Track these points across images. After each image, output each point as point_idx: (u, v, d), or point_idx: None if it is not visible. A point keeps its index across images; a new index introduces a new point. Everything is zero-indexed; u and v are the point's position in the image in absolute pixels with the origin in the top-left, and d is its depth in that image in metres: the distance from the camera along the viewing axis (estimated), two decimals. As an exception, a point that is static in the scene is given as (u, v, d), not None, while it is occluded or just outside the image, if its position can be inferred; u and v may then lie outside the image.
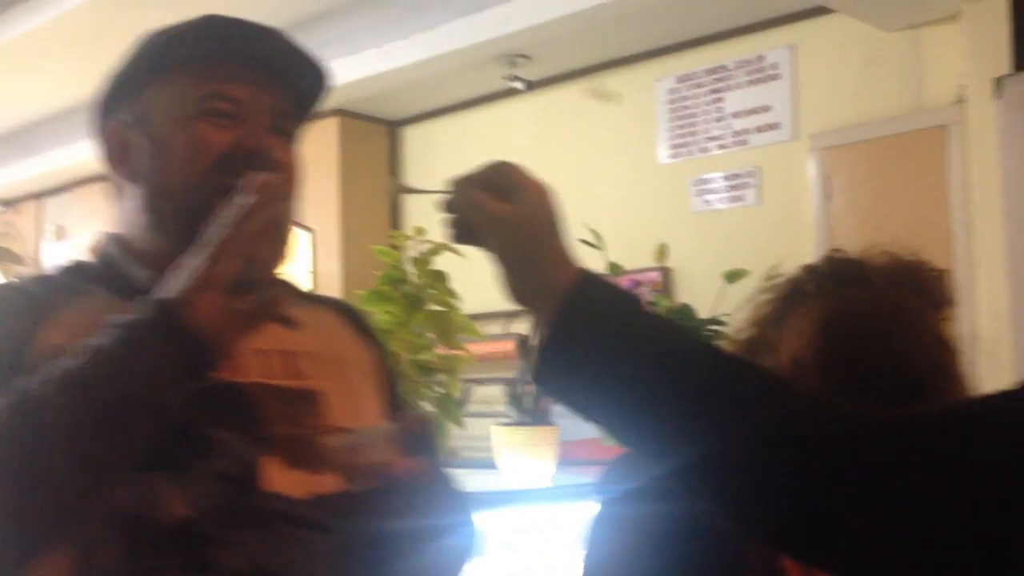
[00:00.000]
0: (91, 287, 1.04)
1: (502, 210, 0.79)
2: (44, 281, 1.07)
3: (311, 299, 1.21)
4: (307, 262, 4.76)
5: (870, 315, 1.06)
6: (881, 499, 0.63)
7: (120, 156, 1.08)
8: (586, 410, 0.76)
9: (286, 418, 1.02)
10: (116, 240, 1.10)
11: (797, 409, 0.69)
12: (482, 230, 0.80)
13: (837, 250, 1.19)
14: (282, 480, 0.99)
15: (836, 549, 0.67)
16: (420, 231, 2.34)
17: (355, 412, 1.07)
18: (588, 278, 0.77)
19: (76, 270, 1.10)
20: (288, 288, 1.16)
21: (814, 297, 1.11)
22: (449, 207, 0.83)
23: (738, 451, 0.67)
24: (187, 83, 1.05)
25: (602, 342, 0.72)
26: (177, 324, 0.88)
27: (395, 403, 1.17)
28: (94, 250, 1.11)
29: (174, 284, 0.91)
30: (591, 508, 1.15)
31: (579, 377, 0.74)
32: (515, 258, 0.79)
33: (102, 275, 1.07)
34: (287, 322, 1.09)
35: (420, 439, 0.96)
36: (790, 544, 0.72)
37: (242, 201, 0.92)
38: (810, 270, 1.16)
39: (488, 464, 2.49)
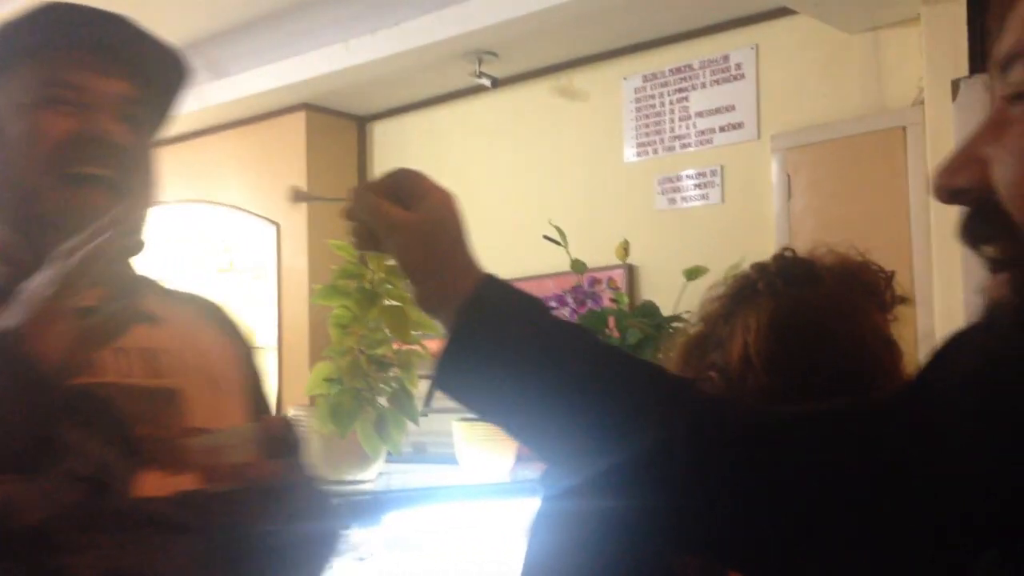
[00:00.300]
0: None
1: (404, 217, 0.79)
2: None
3: (174, 296, 1.18)
4: (273, 257, 4.74)
5: (818, 315, 1.08)
6: (776, 496, 0.65)
7: None
8: (489, 414, 0.76)
9: (144, 418, 1.00)
10: None
11: (699, 410, 0.70)
12: (384, 237, 0.81)
13: (787, 249, 1.20)
14: (139, 481, 0.97)
15: (736, 547, 0.68)
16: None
17: (216, 410, 1.05)
18: (490, 284, 0.77)
19: None
20: (150, 285, 1.13)
21: (763, 296, 1.12)
22: (351, 215, 0.83)
23: (639, 454, 0.68)
24: (27, 72, 1.03)
25: (502, 347, 0.73)
26: (18, 357, 0.84)
27: (259, 401, 1.15)
28: None
29: (16, 312, 0.87)
30: (535, 504, 1.16)
31: (479, 382, 0.74)
32: (417, 265, 0.79)
33: None
34: (148, 319, 1.04)
35: (281, 441, 0.94)
36: (694, 544, 0.73)
37: (93, 233, 0.89)
38: (760, 269, 1.18)
39: (450, 459, 2.50)
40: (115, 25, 1.07)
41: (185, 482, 0.98)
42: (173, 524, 0.97)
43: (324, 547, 1.13)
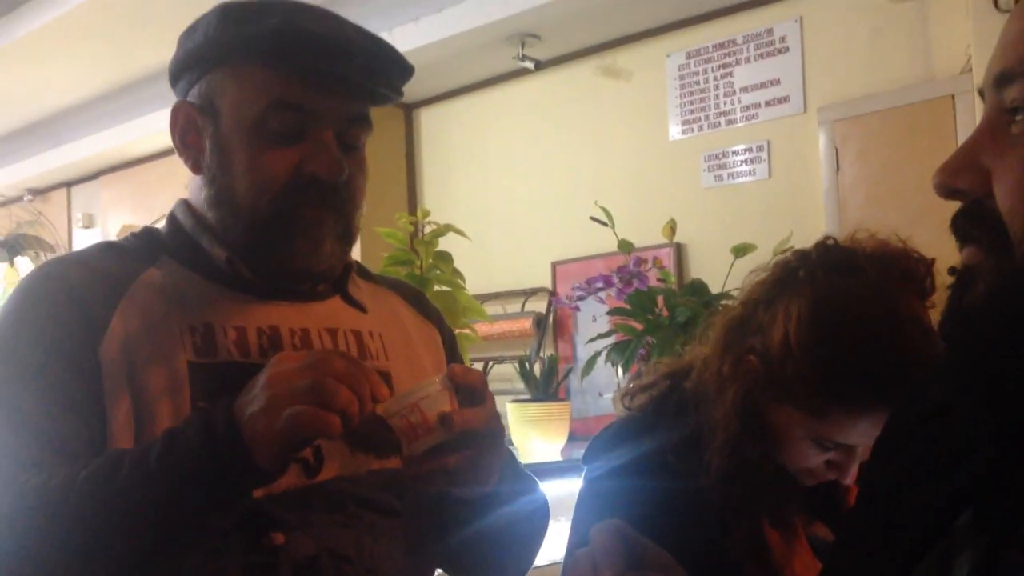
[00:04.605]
0: (162, 257, 1.05)
1: None
2: (114, 251, 1.07)
3: (380, 281, 1.21)
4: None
5: (857, 306, 1.10)
6: None
7: (185, 139, 1.07)
8: None
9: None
10: (190, 212, 1.08)
11: None
12: None
13: (829, 237, 1.22)
14: (350, 462, 1.00)
15: None
16: (425, 213, 2.38)
17: None
18: None
19: (147, 237, 1.10)
20: (357, 269, 1.17)
21: (804, 284, 1.14)
22: None
23: None
24: (254, 82, 1.01)
25: None
26: (235, 451, 0.85)
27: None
28: (169, 217, 1.11)
29: (244, 404, 0.86)
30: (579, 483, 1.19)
31: None
32: None
33: (172, 245, 1.07)
34: (357, 306, 1.10)
35: (474, 390, 0.94)
36: None
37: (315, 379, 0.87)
38: (801, 256, 1.20)
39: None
40: (353, 43, 1.04)
41: (392, 463, 1.01)
42: (380, 506, 1.00)
43: (536, 509, 1.14)
